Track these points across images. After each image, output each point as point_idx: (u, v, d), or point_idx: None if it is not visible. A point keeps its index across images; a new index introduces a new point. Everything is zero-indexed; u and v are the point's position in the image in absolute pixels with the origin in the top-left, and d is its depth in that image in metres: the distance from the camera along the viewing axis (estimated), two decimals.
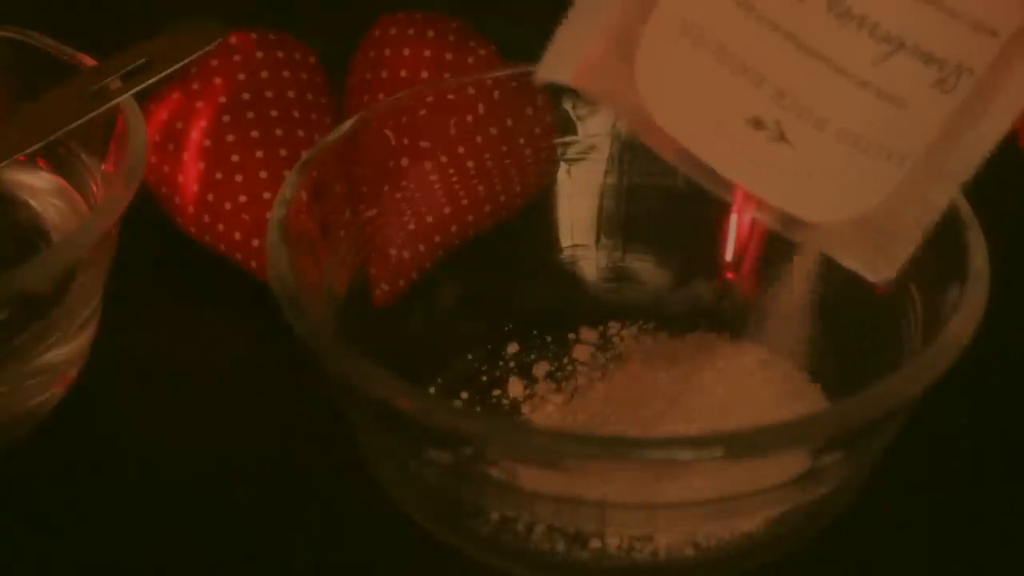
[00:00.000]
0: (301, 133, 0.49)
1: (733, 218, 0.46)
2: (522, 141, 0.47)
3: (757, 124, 0.39)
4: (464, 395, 0.46)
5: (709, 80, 0.39)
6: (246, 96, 0.49)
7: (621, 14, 0.39)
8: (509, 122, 0.47)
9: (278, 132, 0.49)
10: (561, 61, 0.40)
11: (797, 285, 0.45)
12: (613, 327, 0.47)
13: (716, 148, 0.39)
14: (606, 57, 0.40)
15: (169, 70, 0.46)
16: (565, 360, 0.46)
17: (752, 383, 0.43)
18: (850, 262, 0.40)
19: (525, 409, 0.45)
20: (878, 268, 0.40)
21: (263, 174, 0.49)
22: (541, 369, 0.46)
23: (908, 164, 0.39)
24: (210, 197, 0.49)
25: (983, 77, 0.38)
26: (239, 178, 0.49)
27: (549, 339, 0.47)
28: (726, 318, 0.46)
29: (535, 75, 0.40)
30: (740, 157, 0.39)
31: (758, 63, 0.38)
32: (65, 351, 0.43)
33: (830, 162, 0.39)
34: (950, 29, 0.37)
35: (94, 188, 0.46)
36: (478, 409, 0.45)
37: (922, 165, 0.39)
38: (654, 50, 0.39)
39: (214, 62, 0.49)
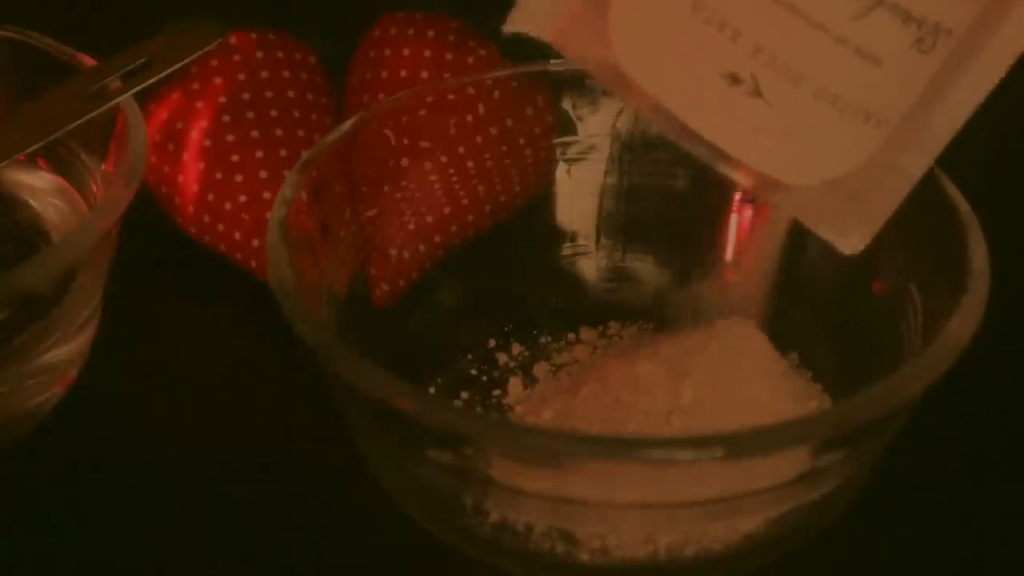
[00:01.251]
0: (301, 133, 0.49)
1: (733, 217, 0.46)
2: (522, 141, 0.47)
3: (733, 79, 0.38)
4: (464, 395, 0.46)
5: (685, 34, 0.38)
6: (246, 96, 0.49)
7: None
8: (509, 122, 0.47)
9: (278, 132, 0.49)
10: (535, 13, 0.40)
11: (768, 254, 0.44)
12: (613, 327, 0.47)
13: (691, 103, 0.39)
14: (578, 10, 0.39)
15: (169, 70, 0.46)
16: (565, 360, 0.46)
17: (752, 383, 0.43)
18: (822, 229, 0.40)
19: (525, 409, 0.45)
20: (850, 238, 0.40)
21: (263, 174, 0.49)
22: (541, 369, 0.46)
23: (886, 129, 0.39)
24: (210, 197, 0.49)
25: (962, 40, 0.38)
26: (239, 178, 0.49)
27: (549, 339, 0.47)
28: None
29: (503, 27, 0.40)
30: (715, 113, 0.39)
31: (735, 17, 0.38)
32: (65, 351, 0.43)
33: (806, 121, 0.38)
34: None
35: (94, 188, 0.46)
36: (478, 409, 0.45)
37: (899, 132, 0.39)
38: (628, 4, 0.39)
39: (214, 62, 0.49)
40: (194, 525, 0.44)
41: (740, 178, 0.40)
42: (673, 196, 0.46)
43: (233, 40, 0.50)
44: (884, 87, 0.38)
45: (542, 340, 0.47)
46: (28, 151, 0.45)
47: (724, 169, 0.40)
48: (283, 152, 0.49)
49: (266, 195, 0.48)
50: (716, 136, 0.39)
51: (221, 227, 0.49)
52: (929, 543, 0.43)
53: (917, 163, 0.39)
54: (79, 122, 0.45)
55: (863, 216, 0.40)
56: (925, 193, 0.41)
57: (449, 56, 0.49)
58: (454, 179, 0.47)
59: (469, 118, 0.47)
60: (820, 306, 0.45)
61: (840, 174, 0.39)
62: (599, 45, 0.39)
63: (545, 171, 0.48)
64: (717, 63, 0.38)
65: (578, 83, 0.46)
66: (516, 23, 0.40)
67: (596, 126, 0.47)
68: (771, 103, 0.38)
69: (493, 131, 0.47)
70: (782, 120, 0.38)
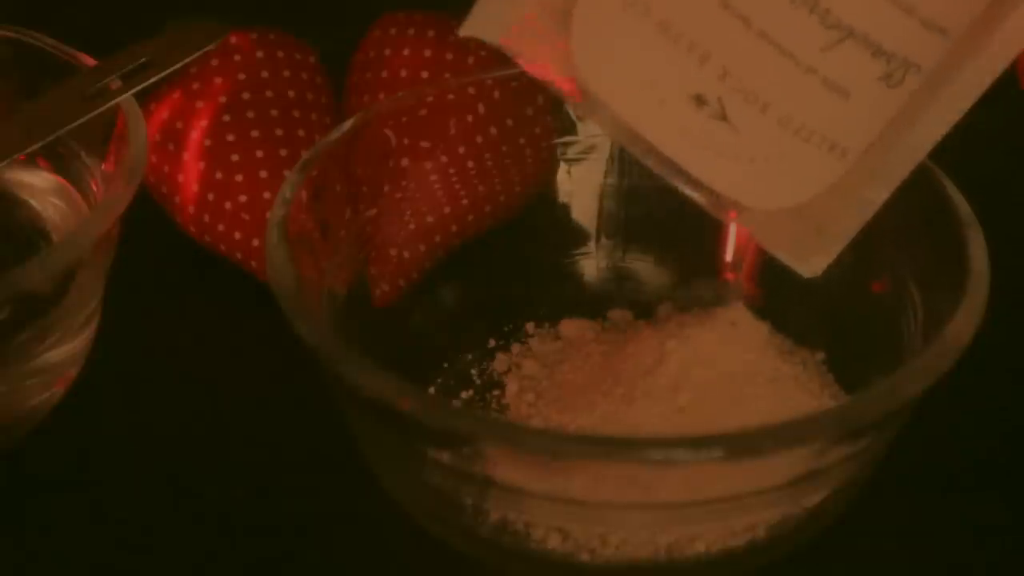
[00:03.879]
0: (301, 133, 0.49)
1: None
2: (522, 141, 0.47)
3: (699, 101, 0.38)
4: (464, 395, 0.46)
5: (651, 54, 0.38)
6: (246, 96, 0.49)
7: None
8: (509, 122, 0.47)
9: (278, 132, 0.49)
10: (489, 20, 0.39)
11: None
12: (613, 327, 0.47)
13: (655, 122, 0.39)
14: (538, 20, 0.39)
15: (169, 70, 0.46)
16: (564, 359, 0.46)
17: (752, 384, 0.43)
18: (780, 252, 0.40)
19: (525, 409, 0.45)
20: (808, 261, 0.40)
21: (263, 174, 0.49)
22: (541, 369, 0.46)
23: (850, 159, 0.39)
24: (210, 197, 0.49)
25: (929, 75, 0.38)
26: (239, 178, 0.49)
27: (549, 339, 0.47)
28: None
29: (459, 31, 0.40)
30: (679, 134, 0.39)
31: (704, 41, 0.38)
32: (65, 351, 0.43)
33: (771, 148, 0.39)
34: (901, 23, 0.37)
35: (94, 188, 0.46)
36: (478, 409, 0.45)
37: (861, 162, 0.39)
38: (591, 18, 0.39)
39: (214, 62, 0.49)
40: (194, 525, 0.44)
41: (701, 198, 0.40)
42: (673, 196, 0.46)
43: (233, 40, 0.50)
44: (850, 119, 0.38)
45: (541, 340, 0.47)
46: (28, 151, 0.45)
47: (685, 188, 0.40)
48: (283, 152, 0.49)
49: (266, 195, 0.48)
50: (678, 156, 0.39)
51: (221, 227, 0.49)
52: (929, 544, 0.43)
53: (877, 193, 0.40)
54: (79, 122, 0.45)
55: (821, 243, 0.40)
56: (925, 193, 0.41)
57: (449, 56, 0.49)
58: (454, 179, 0.47)
59: (469, 118, 0.47)
60: (820, 306, 0.45)
61: (802, 201, 0.39)
62: (556, 56, 0.39)
63: (545, 171, 0.48)
64: (683, 84, 0.38)
65: None
66: (469, 28, 0.40)
67: (596, 126, 0.47)
68: (736, 127, 0.38)
69: (493, 131, 0.47)
70: (746, 145, 0.38)
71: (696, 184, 0.40)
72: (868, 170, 0.39)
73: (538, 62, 0.40)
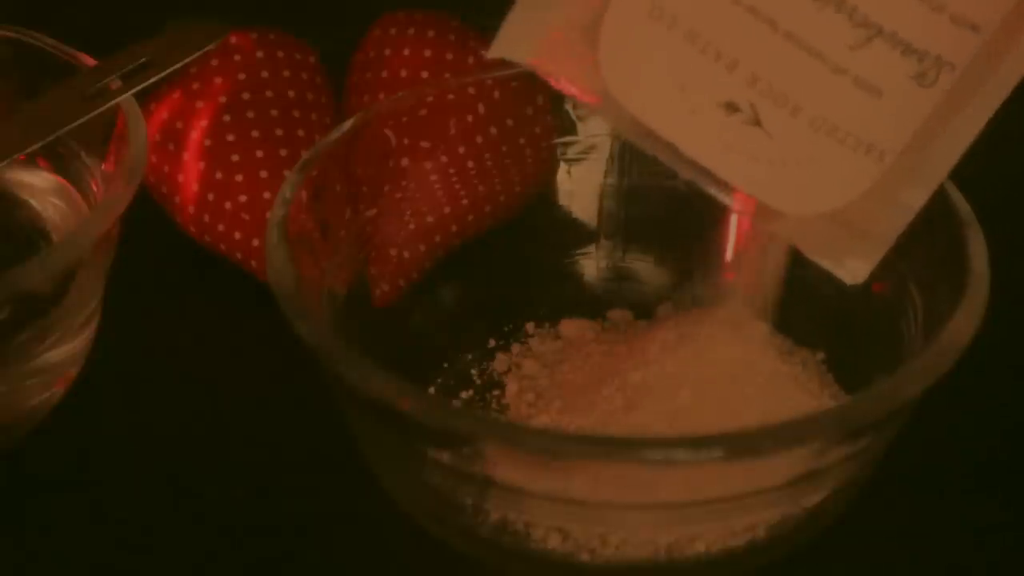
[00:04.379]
0: (301, 133, 0.49)
1: (733, 218, 0.45)
2: (522, 141, 0.47)
3: (731, 108, 0.38)
4: (464, 395, 0.46)
5: (679, 64, 0.38)
6: (246, 96, 0.49)
7: None
8: (509, 122, 0.47)
9: (278, 132, 0.49)
10: (517, 39, 0.39)
11: (769, 254, 0.44)
12: (613, 327, 0.47)
13: (686, 132, 0.39)
14: (564, 37, 0.39)
15: (169, 70, 0.46)
16: (564, 359, 0.46)
17: (752, 384, 0.43)
18: (821, 259, 0.40)
19: (525, 409, 0.45)
20: (849, 268, 0.40)
21: (263, 174, 0.49)
22: (541, 369, 0.46)
23: (887, 161, 0.39)
24: (210, 197, 0.49)
25: (964, 73, 0.38)
26: (239, 178, 0.49)
27: (549, 339, 0.47)
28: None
29: (487, 52, 0.40)
30: (713, 142, 0.39)
31: (732, 47, 0.38)
32: (65, 351, 0.43)
33: (805, 151, 0.38)
34: (930, 20, 0.37)
35: (94, 188, 0.46)
36: (478, 409, 0.45)
37: (898, 164, 0.39)
38: (618, 32, 0.39)
39: (214, 62, 0.49)
40: (194, 525, 0.44)
41: (736, 205, 0.40)
42: (673, 196, 0.46)
43: (233, 40, 0.50)
44: (884, 119, 0.38)
45: (541, 340, 0.47)
46: (28, 151, 0.45)
47: (720, 196, 0.40)
48: (283, 152, 0.49)
49: (266, 195, 0.48)
50: (712, 164, 0.39)
51: (221, 227, 0.49)
52: (929, 544, 0.43)
53: (916, 196, 0.39)
54: (79, 122, 0.45)
55: (862, 247, 0.40)
56: None
57: (449, 56, 0.49)
58: (454, 179, 0.47)
59: (469, 118, 0.47)
60: (820, 306, 0.45)
61: (839, 205, 0.39)
62: (584, 71, 0.39)
63: (545, 171, 0.48)
64: (713, 92, 0.38)
65: None
66: (499, 50, 0.40)
67: (596, 126, 0.47)
68: (770, 132, 0.38)
69: (493, 131, 0.47)
70: (781, 150, 0.38)
71: (732, 191, 0.40)
72: (906, 172, 0.39)
73: (567, 79, 0.40)
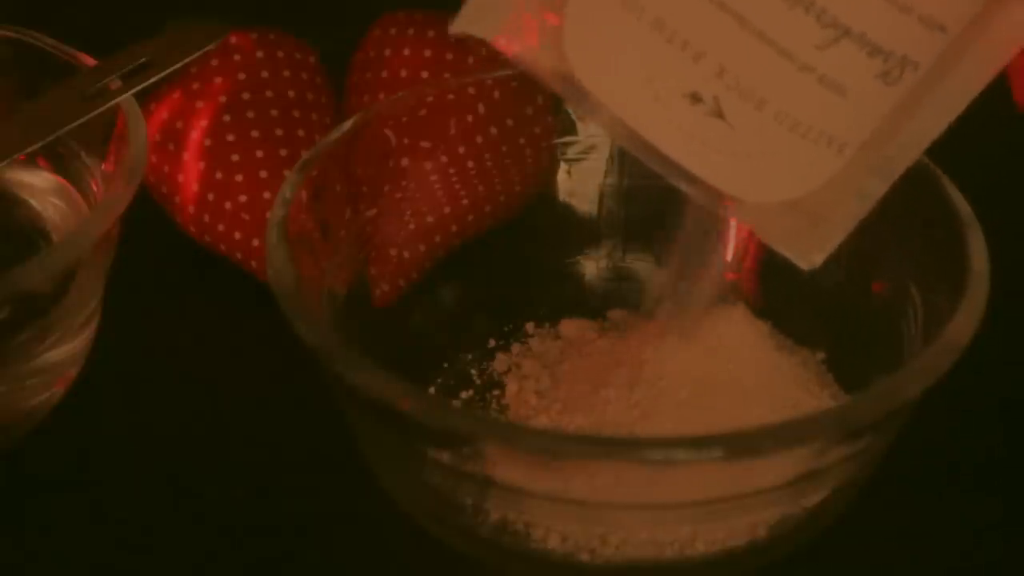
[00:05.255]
0: (301, 133, 0.49)
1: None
2: (522, 141, 0.47)
3: (694, 98, 0.38)
4: (464, 395, 0.46)
5: (645, 52, 0.38)
6: (246, 96, 0.49)
7: None
8: (509, 122, 0.47)
9: (278, 132, 0.49)
10: (480, 15, 0.39)
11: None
12: (613, 327, 0.47)
13: (650, 119, 0.39)
14: (528, 15, 0.39)
15: (169, 70, 0.46)
16: (564, 359, 0.46)
17: (752, 383, 0.43)
18: (778, 245, 0.40)
19: (525, 409, 0.45)
20: (805, 254, 0.40)
21: (263, 174, 0.49)
22: (541, 369, 0.46)
23: (847, 154, 0.39)
24: (210, 197, 0.49)
25: (928, 71, 0.38)
26: (239, 178, 0.49)
27: (549, 339, 0.47)
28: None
29: (449, 28, 0.40)
30: (675, 130, 0.39)
31: (699, 39, 0.38)
32: (65, 351, 0.43)
33: (767, 144, 0.38)
34: (899, 21, 0.37)
35: (94, 188, 0.46)
36: (478, 409, 0.45)
37: (860, 155, 0.39)
38: (584, 15, 0.39)
39: (214, 62, 0.49)
40: (193, 525, 0.44)
41: (697, 194, 0.40)
42: (673, 196, 0.46)
43: (233, 40, 0.50)
44: (847, 115, 0.38)
45: (541, 340, 0.47)
46: (28, 151, 0.45)
47: (681, 184, 0.40)
48: (283, 152, 0.49)
49: (266, 195, 0.48)
50: (674, 152, 0.39)
51: (221, 227, 0.49)
52: (929, 544, 0.43)
53: (875, 186, 0.39)
54: (79, 122, 0.45)
55: (820, 235, 0.40)
56: (925, 193, 0.41)
57: (449, 56, 0.49)
58: (454, 179, 0.47)
59: (469, 118, 0.47)
60: (820, 306, 0.45)
61: (799, 195, 0.39)
62: (547, 51, 0.39)
63: (545, 171, 0.48)
64: (678, 82, 0.38)
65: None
66: (461, 25, 0.39)
67: (596, 126, 0.47)
68: (732, 124, 0.38)
69: (493, 131, 0.47)
70: (743, 142, 0.38)
71: (692, 180, 0.40)
72: (866, 164, 0.39)
73: (531, 59, 0.40)
